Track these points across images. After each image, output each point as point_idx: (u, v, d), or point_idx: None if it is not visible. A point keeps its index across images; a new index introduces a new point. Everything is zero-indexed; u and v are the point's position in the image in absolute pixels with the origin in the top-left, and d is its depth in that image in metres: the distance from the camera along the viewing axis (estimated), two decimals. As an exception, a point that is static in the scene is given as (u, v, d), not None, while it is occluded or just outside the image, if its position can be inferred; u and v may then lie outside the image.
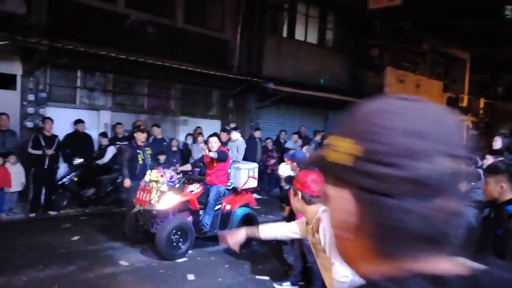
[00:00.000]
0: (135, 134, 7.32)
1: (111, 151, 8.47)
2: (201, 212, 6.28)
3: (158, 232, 5.70)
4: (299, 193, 2.44)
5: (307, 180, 2.42)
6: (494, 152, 5.18)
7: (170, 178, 6.00)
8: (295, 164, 5.18)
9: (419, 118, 0.58)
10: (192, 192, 6.16)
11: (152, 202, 5.68)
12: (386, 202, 0.56)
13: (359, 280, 0.63)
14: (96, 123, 9.33)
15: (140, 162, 7.03)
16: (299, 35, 13.57)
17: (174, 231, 5.73)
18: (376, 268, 0.60)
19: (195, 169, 7.40)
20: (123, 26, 9.31)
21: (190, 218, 6.25)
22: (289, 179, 2.75)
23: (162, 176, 5.97)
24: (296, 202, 2.51)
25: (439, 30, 18.77)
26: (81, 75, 9.24)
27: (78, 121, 8.53)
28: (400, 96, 0.62)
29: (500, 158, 3.34)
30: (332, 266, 2.24)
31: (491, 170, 2.85)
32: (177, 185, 6.08)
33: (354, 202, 0.59)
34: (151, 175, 5.98)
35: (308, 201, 2.44)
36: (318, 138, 11.89)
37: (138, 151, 7.03)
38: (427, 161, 0.55)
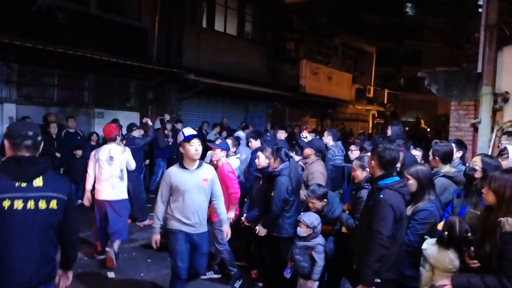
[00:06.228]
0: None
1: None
2: None
3: None
4: None
5: None
6: (389, 139, 5.78)
7: None
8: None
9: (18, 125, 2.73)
10: None
11: None
12: None
13: None
14: (-1, 117, 8.58)
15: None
16: (218, 26, 13.57)
17: None
18: None
19: None
20: (29, 11, 8.62)
21: None
22: None
23: None
24: None
25: (350, 25, 20.03)
26: (-20, 64, 8.42)
27: (-22, 115, 7.80)
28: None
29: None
30: None
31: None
32: None
33: None
34: None
35: None
36: (242, 133, 12.03)
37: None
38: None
